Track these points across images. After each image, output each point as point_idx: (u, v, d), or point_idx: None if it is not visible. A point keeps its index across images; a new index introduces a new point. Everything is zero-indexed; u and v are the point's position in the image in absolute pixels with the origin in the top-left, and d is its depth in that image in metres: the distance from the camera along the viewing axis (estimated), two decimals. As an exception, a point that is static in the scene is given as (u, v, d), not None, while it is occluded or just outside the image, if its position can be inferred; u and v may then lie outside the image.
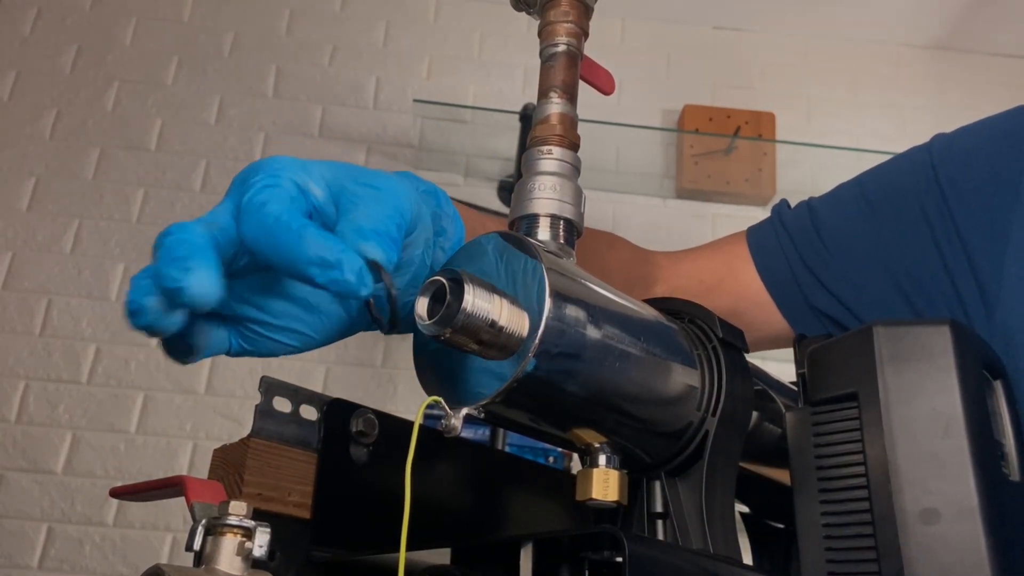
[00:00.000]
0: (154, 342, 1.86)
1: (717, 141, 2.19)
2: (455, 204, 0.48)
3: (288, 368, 1.94)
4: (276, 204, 0.36)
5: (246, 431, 0.47)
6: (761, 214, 2.22)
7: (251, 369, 1.94)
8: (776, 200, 2.12)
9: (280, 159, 0.39)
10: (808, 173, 2.17)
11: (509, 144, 2.09)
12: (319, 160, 0.41)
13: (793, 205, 0.75)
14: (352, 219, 0.38)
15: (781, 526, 0.60)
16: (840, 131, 2.28)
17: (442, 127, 2.17)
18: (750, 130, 2.20)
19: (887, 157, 0.74)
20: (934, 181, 0.65)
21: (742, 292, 0.73)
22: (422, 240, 0.43)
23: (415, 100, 2.15)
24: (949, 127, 0.74)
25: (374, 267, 0.37)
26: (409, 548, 0.36)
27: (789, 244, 0.71)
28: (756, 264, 0.73)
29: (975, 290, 0.60)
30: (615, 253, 0.73)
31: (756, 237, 0.74)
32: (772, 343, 0.74)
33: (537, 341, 0.39)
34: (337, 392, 0.47)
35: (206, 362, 1.93)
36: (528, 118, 2.02)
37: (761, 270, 0.73)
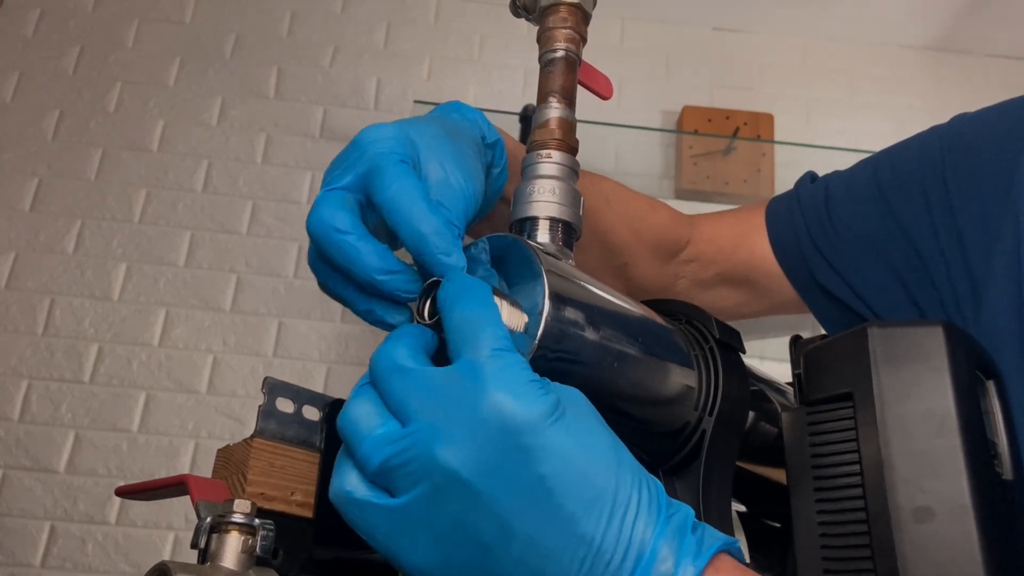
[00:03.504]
0: (156, 341, 1.85)
1: (716, 142, 2.19)
2: (507, 141, 0.54)
3: (289, 368, 1.94)
4: (403, 180, 0.42)
5: (248, 430, 0.47)
6: (760, 215, 2.22)
7: (252, 369, 1.94)
8: (775, 201, 2.14)
9: (381, 131, 0.44)
10: (807, 174, 2.17)
11: (509, 145, 2.09)
12: (410, 123, 0.46)
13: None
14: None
15: (777, 525, 0.61)
16: (838, 132, 2.28)
17: (442, 128, 2.17)
18: (749, 131, 2.20)
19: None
20: (940, 170, 0.65)
21: (756, 260, 0.74)
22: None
23: (416, 101, 2.15)
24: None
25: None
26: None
27: (800, 219, 0.72)
28: (769, 235, 0.74)
29: (967, 283, 0.60)
30: (654, 215, 0.74)
31: (773, 208, 0.76)
32: (785, 309, 0.76)
33: (536, 342, 0.39)
34: (338, 392, 0.48)
35: (207, 361, 1.94)
36: (528, 119, 2.02)
37: (773, 241, 0.74)
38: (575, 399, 0.37)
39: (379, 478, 0.35)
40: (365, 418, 0.36)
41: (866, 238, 0.67)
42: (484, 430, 0.33)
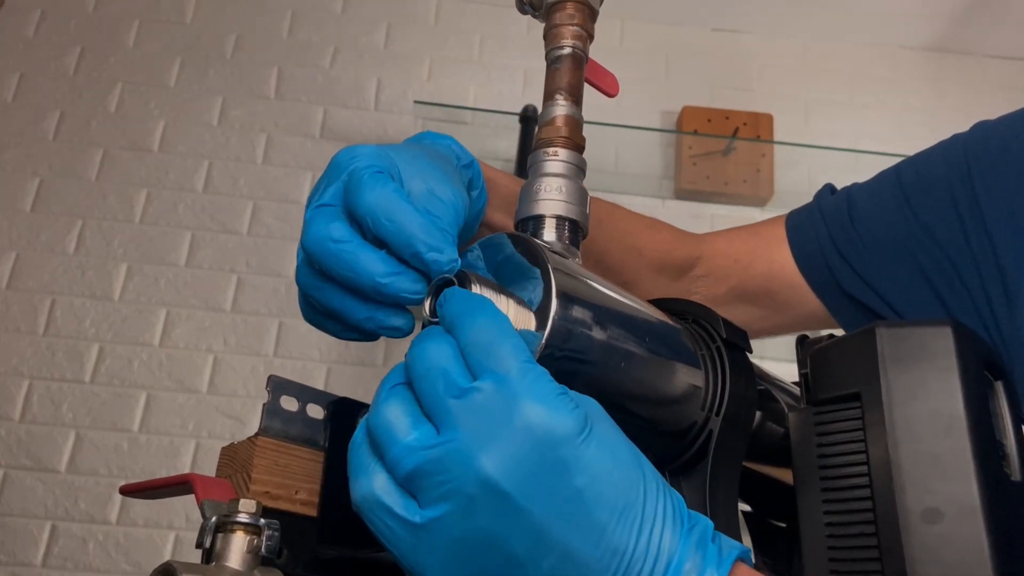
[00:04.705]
0: (157, 341, 1.84)
1: (715, 142, 2.19)
2: (483, 169, 0.55)
3: (290, 367, 1.94)
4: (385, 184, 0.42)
5: (248, 430, 0.47)
6: (759, 215, 2.23)
7: (253, 368, 1.94)
8: (774, 201, 2.14)
9: (359, 149, 0.44)
10: (806, 174, 2.17)
11: (509, 145, 2.09)
12: (387, 146, 0.46)
13: (836, 190, 0.76)
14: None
15: (784, 525, 0.60)
16: (837, 132, 2.28)
17: (443, 128, 2.17)
18: (748, 131, 2.20)
19: (884, 158, 0.75)
20: (966, 174, 0.65)
21: (775, 272, 0.74)
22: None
23: (416, 101, 2.15)
24: (946, 129, 0.74)
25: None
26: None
27: (823, 229, 0.72)
28: (791, 245, 0.74)
29: (1000, 287, 0.60)
30: (656, 234, 0.74)
31: (794, 219, 0.75)
32: (804, 324, 0.75)
33: (543, 341, 0.39)
34: (339, 391, 0.47)
35: (208, 361, 1.94)
36: (528, 119, 2.02)
37: (795, 252, 0.73)
38: (598, 411, 0.37)
39: (408, 483, 0.35)
40: (398, 420, 0.35)
41: (892, 242, 0.67)
42: (523, 442, 0.33)
